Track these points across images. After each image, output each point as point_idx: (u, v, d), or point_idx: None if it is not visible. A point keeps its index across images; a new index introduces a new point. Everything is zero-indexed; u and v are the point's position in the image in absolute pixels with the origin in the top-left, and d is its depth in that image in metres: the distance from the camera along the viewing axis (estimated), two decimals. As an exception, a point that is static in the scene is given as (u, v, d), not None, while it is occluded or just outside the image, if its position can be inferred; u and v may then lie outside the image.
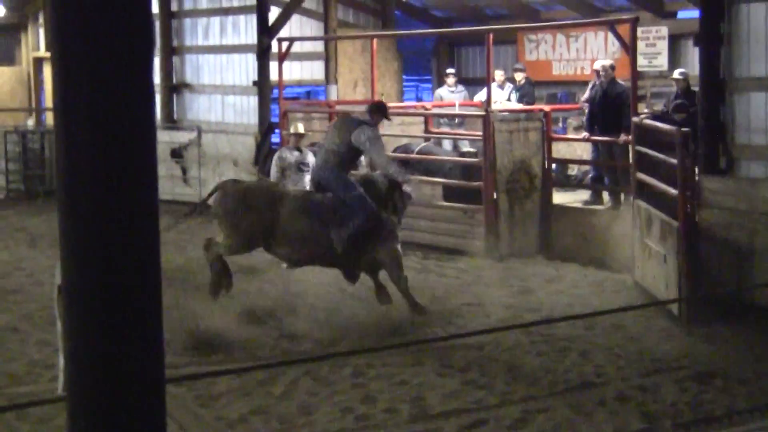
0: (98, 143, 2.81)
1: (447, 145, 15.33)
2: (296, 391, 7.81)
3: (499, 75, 15.73)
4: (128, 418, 2.79)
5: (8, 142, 18.34)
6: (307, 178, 11.63)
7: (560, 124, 16.07)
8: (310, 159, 11.83)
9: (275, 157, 12.19)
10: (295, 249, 9.91)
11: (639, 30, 13.10)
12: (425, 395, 7.69)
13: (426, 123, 15.21)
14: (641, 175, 10.75)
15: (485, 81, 13.37)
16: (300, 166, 11.89)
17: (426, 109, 15.87)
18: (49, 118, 20.86)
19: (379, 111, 10.18)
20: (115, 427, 2.78)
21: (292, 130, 12.18)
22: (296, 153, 12.00)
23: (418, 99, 23.18)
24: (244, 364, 8.30)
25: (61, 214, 2.83)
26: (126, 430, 2.79)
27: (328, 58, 17.67)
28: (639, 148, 10.91)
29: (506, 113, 13.37)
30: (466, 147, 14.50)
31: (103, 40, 2.82)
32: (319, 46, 17.77)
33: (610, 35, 14.10)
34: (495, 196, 12.48)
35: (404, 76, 19.47)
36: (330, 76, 17.69)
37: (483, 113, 12.95)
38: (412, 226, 13.31)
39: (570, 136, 14.97)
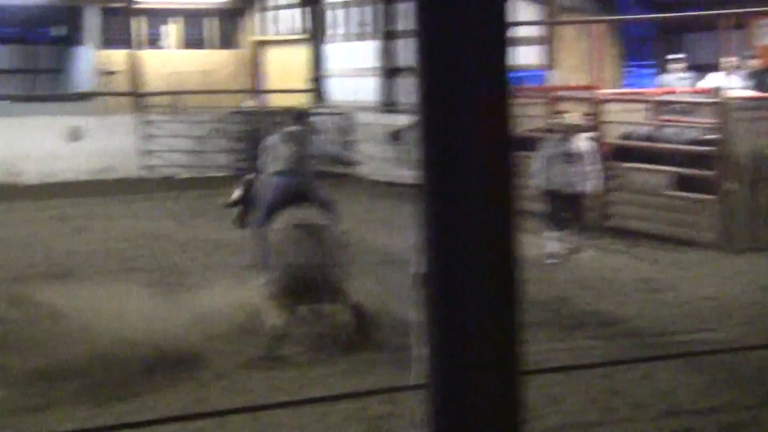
0: (458, 134, 2.82)
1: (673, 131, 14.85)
2: (538, 381, 7.73)
3: (726, 62, 15.13)
4: (485, 406, 2.80)
5: (232, 122, 19.07)
6: (574, 169, 11.53)
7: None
8: (577, 149, 11.67)
9: (542, 146, 12.03)
10: None
11: None
12: (675, 391, 7.48)
13: (651, 110, 14.76)
14: None
15: (710, 68, 12.90)
16: (566, 157, 11.70)
17: (654, 96, 15.44)
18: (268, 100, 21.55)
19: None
20: (473, 413, 2.80)
21: (566, 120, 12.06)
22: (564, 143, 11.81)
23: (639, 86, 22.62)
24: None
25: (423, 205, 2.85)
26: (483, 417, 2.80)
27: (549, 43, 17.47)
28: None
29: (741, 101, 12.87)
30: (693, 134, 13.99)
31: (463, 25, 2.82)
32: (534, 31, 17.59)
33: None
34: (730, 186, 12.03)
35: (625, 62, 19.02)
36: (550, 61, 17.49)
37: (716, 100, 12.50)
38: (639, 216, 13.05)
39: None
